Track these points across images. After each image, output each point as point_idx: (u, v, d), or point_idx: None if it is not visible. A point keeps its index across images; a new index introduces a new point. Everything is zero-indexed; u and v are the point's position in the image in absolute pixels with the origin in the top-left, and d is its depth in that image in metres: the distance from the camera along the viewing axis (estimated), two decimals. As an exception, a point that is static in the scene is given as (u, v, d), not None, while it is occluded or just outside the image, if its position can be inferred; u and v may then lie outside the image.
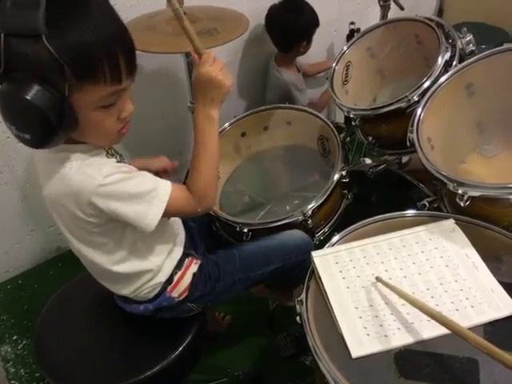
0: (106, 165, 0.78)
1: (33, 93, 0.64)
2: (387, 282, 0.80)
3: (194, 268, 1.02)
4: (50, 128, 0.67)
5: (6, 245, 1.70)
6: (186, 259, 1.01)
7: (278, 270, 1.06)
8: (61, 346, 1.03)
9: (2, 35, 0.62)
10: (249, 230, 1.10)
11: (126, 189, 0.78)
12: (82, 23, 0.65)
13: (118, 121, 0.77)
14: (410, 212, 0.96)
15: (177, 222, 1.03)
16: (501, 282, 0.80)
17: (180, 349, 0.98)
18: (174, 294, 0.99)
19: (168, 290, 0.98)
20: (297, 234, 1.09)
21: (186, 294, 1.00)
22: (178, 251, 1.00)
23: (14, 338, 1.56)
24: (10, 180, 1.58)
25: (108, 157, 0.83)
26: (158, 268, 0.95)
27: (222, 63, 0.88)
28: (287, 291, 1.25)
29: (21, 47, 0.63)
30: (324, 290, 0.83)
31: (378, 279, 0.82)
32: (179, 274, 0.99)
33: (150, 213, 0.80)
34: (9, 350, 1.53)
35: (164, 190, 0.83)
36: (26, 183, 1.61)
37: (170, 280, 0.98)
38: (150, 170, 1.09)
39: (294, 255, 1.05)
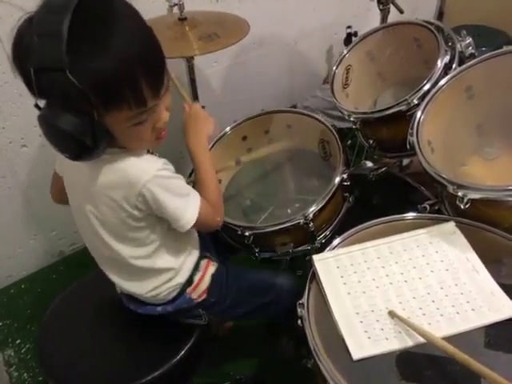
0: (157, 160, 0.84)
1: (64, 121, 0.67)
2: (401, 317, 0.76)
3: (211, 269, 1.04)
4: (86, 149, 0.71)
5: (8, 249, 1.71)
6: (202, 261, 1.03)
7: (275, 302, 1.07)
8: (63, 350, 1.04)
9: (32, 69, 0.64)
10: (250, 234, 1.10)
11: (173, 185, 0.85)
12: (103, 52, 0.65)
13: (153, 130, 0.80)
14: (411, 215, 0.97)
15: None
16: (501, 284, 0.80)
17: (183, 352, 0.99)
18: (194, 296, 1.01)
19: (188, 291, 1.00)
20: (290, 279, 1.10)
21: (204, 296, 1.02)
22: (196, 252, 1.02)
23: (17, 342, 1.56)
24: (13, 185, 1.58)
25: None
26: (179, 268, 0.97)
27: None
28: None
29: (48, 79, 0.65)
30: (325, 295, 0.83)
31: (391, 314, 0.78)
32: (199, 275, 1.01)
33: (188, 212, 0.86)
34: (12, 354, 1.53)
35: (196, 195, 0.90)
36: (29, 188, 1.61)
37: (189, 281, 0.99)
38: None
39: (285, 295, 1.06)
